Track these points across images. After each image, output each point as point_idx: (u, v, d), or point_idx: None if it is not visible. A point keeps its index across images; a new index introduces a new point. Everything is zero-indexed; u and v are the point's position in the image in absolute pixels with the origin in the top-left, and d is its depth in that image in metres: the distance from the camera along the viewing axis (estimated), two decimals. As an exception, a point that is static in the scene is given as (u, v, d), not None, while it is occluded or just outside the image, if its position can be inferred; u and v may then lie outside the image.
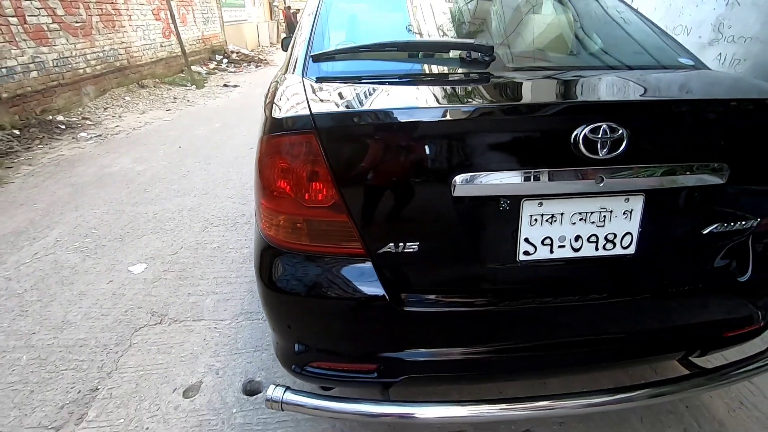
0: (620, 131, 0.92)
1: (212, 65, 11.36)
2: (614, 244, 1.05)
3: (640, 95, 1.09)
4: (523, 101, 1.05)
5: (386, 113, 0.95)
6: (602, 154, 0.93)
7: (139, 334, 1.99)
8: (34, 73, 5.55)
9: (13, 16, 5.23)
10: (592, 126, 0.91)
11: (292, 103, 1.02)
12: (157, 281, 2.37)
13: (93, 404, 1.64)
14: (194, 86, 8.65)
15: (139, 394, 1.68)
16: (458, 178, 0.92)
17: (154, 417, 1.58)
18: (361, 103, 1.04)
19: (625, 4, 1.68)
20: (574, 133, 0.91)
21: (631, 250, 1.06)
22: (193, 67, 9.56)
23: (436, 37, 1.43)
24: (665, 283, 1.13)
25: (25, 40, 5.41)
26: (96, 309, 2.16)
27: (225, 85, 9.08)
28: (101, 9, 7.08)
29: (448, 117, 0.94)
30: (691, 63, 1.40)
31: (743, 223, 1.10)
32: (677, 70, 1.34)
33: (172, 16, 8.21)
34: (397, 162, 0.96)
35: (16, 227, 2.99)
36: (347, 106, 1.02)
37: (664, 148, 0.99)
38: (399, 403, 1.10)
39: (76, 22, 6.42)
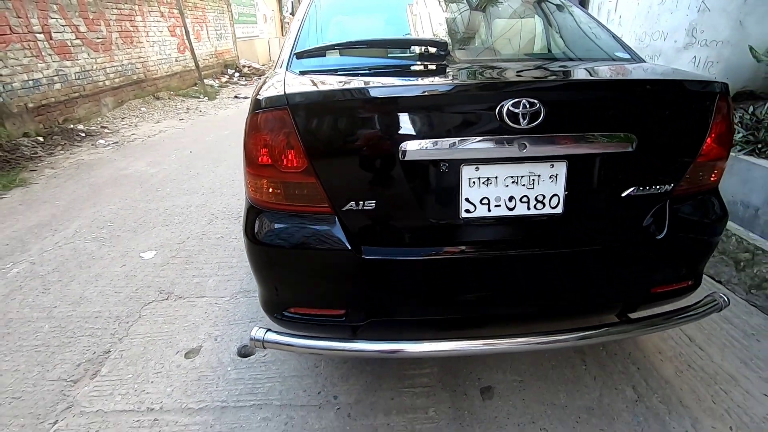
0: (537, 105, 1.11)
1: (224, 78, 11.82)
2: (543, 204, 1.24)
3: (559, 77, 1.29)
4: (457, 82, 1.25)
5: (346, 92, 1.17)
6: (523, 124, 1.12)
7: (147, 308, 2.21)
8: (57, 85, 5.94)
9: (40, 33, 5.65)
10: (513, 101, 1.11)
11: (273, 89, 1.24)
12: (165, 265, 2.60)
13: (106, 363, 1.85)
14: (206, 98, 9.05)
15: (146, 356, 1.89)
16: (404, 146, 1.13)
17: (159, 373, 1.79)
18: (335, 86, 1.26)
19: (581, 8, 1.89)
20: (499, 106, 1.11)
21: (559, 209, 1.24)
22: (206, 81, 9.99)
23: (401, 35, 1.66)
24: (591, 239, 1.31)
25: (50, 55, 5.82)
26: (110, 288, 2.39)
27: (236, 97, 9.47)
28: (121, 26, 7.52)
29: (395, 94, 1.15)
30: (627, 56, 1.60)
31: (657, 187, 1.27)
32: (612, 62, 1.54)
33: (187, 33, 8.65)
34: (356, 132, 1.18)
35: (40, 221, 3.26)
36: (320, 89, 1.24)
37: (578, 120, 1.18)
38: (361, 341, 1.29)
39: (98, 38, 6.85)
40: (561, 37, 1.75)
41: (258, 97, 1.20)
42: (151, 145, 5.60)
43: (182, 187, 3.93)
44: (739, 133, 2.50)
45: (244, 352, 1.90)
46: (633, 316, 1.46)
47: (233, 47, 13.64)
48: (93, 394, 1.69)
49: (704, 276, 2.31)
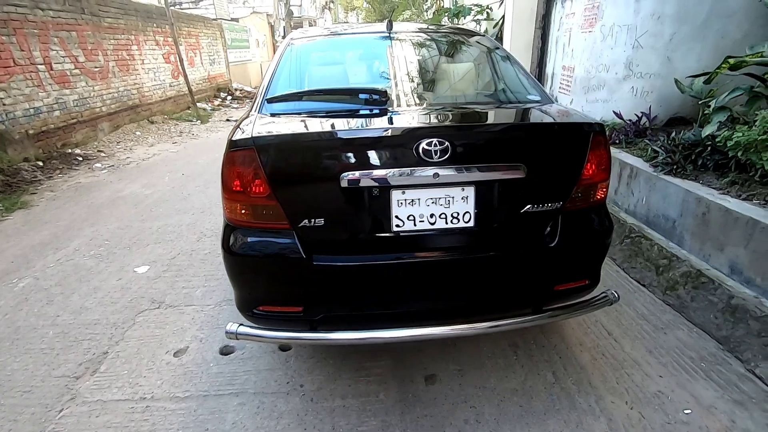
0: (446, 144, 1.46)
1: (217, 102, 12.25)
2: (458, 220, 1.57)
3: (465, 121, 1.65)
4: (384, 126, 1.59)
5: (297, 135, 1.52)
6: (435, 158, 1.46)
7: (141, 316, 2.50)
8: (57, 113, 6.28)
9: (41, 64, 6.02)
10: (427, 140, 1.45)
11: (244, 130, 1.58)
12: (157, 278, 2.90)
13: (104, 362, 2.13)
14: (199, 121, 9.43)
15: (139, 355, 2.17)
16: (344, 175, 1.46)
17: (150, 369, 2.07)
18: (290, 130, 1.60)
19: (505, 55, 2.27)
20: (416, 145, 1.45)
21: (471, 224, 1.58)
22: (198, 104, 10.39)
23: (353, 84, 2.02)
24: (499, 246, 1.64)
25: (50, 84, 6.18)
26: (107, 298, 2.68)
27: (227, 120, 9.86)
28: (118, 55, 7.93)
29: (336, 136, 1.49)
30: (538, 98, 1.96)
31: (549, 205, 1.61)
32: (521, 104, 1.91)
33: (180, 60, 9.08)
34: (306, 166, 1.51)
35: (42, 240, 3.55)
36: (278, 132, 1.58)
37: (480, 154, 1.53)
38: (315, 332, 1.60)
39: (95, 67, 7.24)
40: (487, 83, 2.13)
41: (232, 138, 1.54)
42: (145, 167, 5.92)
43: (174, 207, 4.24)
44: (660, 155, 2.88)
45: (225, 351, 2.18)
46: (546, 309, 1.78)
47: (226, 71, 14.14)
48: (93, 387, 1.97)
49: (630, 278, 2.66)
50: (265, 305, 1.65)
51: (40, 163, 5.60)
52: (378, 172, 1.48)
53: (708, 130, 2.66)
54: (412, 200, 1.53)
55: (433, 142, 1.45)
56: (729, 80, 2.91)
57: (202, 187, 4.87)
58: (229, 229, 1.62)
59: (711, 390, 1.85)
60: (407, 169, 1.48)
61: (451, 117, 1.71)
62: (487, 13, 6.67)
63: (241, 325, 1.62)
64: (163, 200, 4.47)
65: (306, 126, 1.63)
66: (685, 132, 2.91)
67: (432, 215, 1.56)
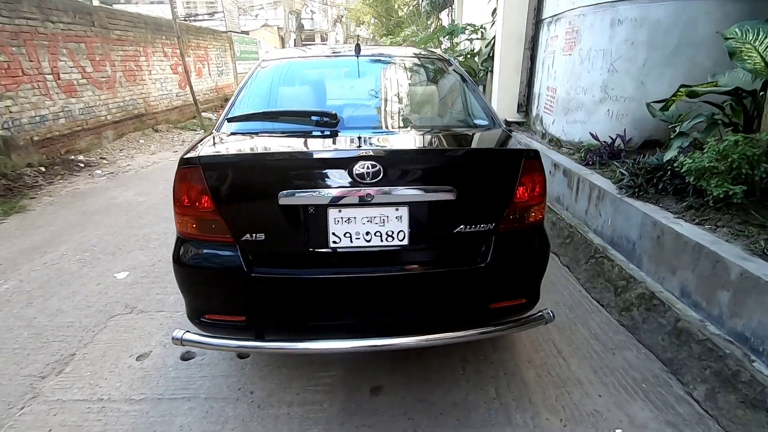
0: (378, 167, 1.55)
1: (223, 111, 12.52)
2: (393, 238, 1.65)
3: (400, 145, 1.74)
4: (319, 148, 1.69)
5: (238, 155, 1.63)
6: (368, 180, 1.56)
7: (113, 320, 2.60)
8: (62, 120, 6.52)
9: (49, 74, 6.28)
10: (359, 163, 1.55)
11: (194, 150, 1.69)
12: (134, 284, 3.01)
13: (70, 363, 2.23)
14: (203, 130, 9.66)
15: (104, 358, 2.27)
16: (281, 193, 1.56)
17: (112, 372, 2.17)
18: (234, 150, 1.71)
19: (462, 79, 2.36)
20: (350, 167, 1.55)
21: (405, 242, 1.66)
22: (204, 114, 10.65)
23: (306, 106, 2.14)
24: (433, 264, 1.72)
25: (57, 93, 6.43)
26: (84, 302, 2.79)
27: (230, 130, 10.08)
28: (125, 66, 8.22)
29: (275, 157, 1.60)
30: (485, 123, 2.05)
31: (481, 226, 1.69)
32: (465, 128, 2.00)
33: (187, 72, 9.36)
34: (247, 184, 1.62)
35: (32, 244, 3.70)
36: (222, 152, 1.69)
37: (412, 177, 1.62)
38: (255, 341, 1.69)
39: (102, 78, 7.51)
40: (438, 107, 2.23)
41: (183, 156, 1.65)
42: (143, 175, 6.10)
43: (163, 215, 4.37)
44: (625, 178, 2.94)
45: (185, 357, 2.27)
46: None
47: (234, 82, 14.48)
48: (56, 387, 2.07)
49: (590, 298, 2.71)
50: (211, 314, 1.74)
51: (43, 169, 5.81)
52: (314, 192, 1.58)
53: (668, 155, 2.72)
54: (348, 218, 1.62)
55: (367, 165, 1.55)
56: (697, 106, 2.97)
57: (193, 196, 5.00)
58: (179, 241, 1.73)
59: (647, 410, 1.89)
60: (342, 189, 1.57)
61: (388, 141, 1.81)
62: (482, 32, 6.82)
63: (187, 331, 1.71)
64: (154, 208, 4.62)
65: (252, 146, 1.74)
66: (650, 156, 2.97)
67: (368, 233, 1.64)
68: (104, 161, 6.78)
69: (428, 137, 1.90)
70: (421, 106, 2.26)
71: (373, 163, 1.55)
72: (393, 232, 1.65)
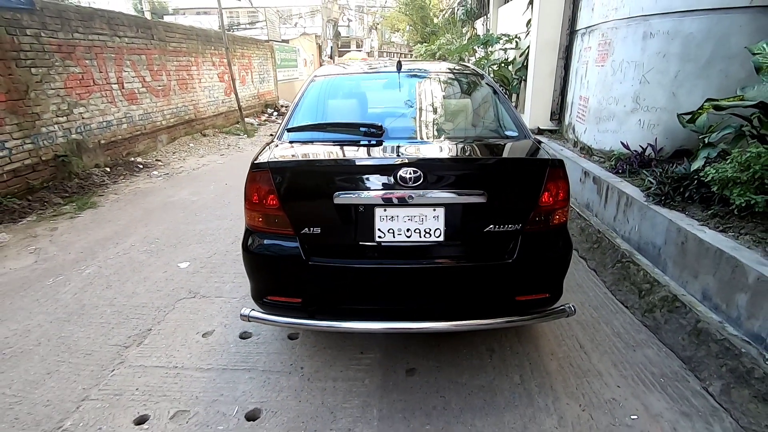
0: (419, 173, 1.80)
1: (263, 117, 13.17)
2: (430, 234, 1.90)
3: (438, 154, 1.98)
4: (372, 156, 1.96)
5: (301, 161, 1.92)
6: (409, 183, 1.81)
7: (179, 303, 2.97)
8: (124, 125, 7.17)
9: (115, 83, 6.93)
10: (403, 169, 1.81)
11: (264, 155, 2.00)
12: (195, 273, 3.39)
13: (148, 336, 2.60)
14: (246, 135, 10.25)
15: (175, 334, 2.63)
16: (336, 194, 1.84)
17: (183, 345, 2.52)
18: (297, 157, 2.01)
19: (494, 93, 2.58)
20: (395, 173, 1.81)
21: (441, 238, 1.90)
22: (247, 119, 11.26)
23: (353, 118, 2.43)
24: (465, 259, 1.95)
25: (121, 101, 7.08)
26: (154, 287, 3.19)
27: (270, 135, 10.59)
28: (179, 75, 8.88)
29: (332, 163, 1.88)
30: (515, 134, 2.27)
31: (509, 226, 1.91)
32: (497, 139, 2.22)
33: (233, 80, 9.96)
34: (308, 185, 1.91)
35: (105, 235, 4.19)
36: (287, 158, 1.99)
37: (448, 182, 1.86)
38: (310, 319, 1.97)
39: (159, 86, 8.16)
40: (472, 119, 2.47)
41: (254, 161, 1.96)
42: (194, 176, 6.62)
43: (215, 213, 4.80)
44: (652, 186, 3.06)
45: (243, 336, 2.60)
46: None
47: (274, 89, 15.15)
48: (138, 355, 2.43)
49: (615, 300, 2.85)
50: (272, 295, 2.05)
51: (108, 169, 6.42)
52: (364, 193, 1.85)
53: (695, 165, 2.83)
54: (392, 216, 1.88)
55: (409, 171, 1.80)
56: (728, 117, 3.05)
57: (241, 197, 5.39)
58: (248, 232, 2.05)
59: (663, 401, 2.03)
60: (387, 192, 1.84)
61: (427, 149, 2.06)
62: (516, 42, 6.96)
63: (252, 310, 2.02)
64: (206, 206, 5.06)
65: (311, 154, 2.03)
66: (677, 166, 3.07)
67: (408, 230, 1.90)
68: (159, 163, 7.37)
69: (462, 146, 2.14)
70: (455, 117, 2.50)
71: (414, 169, 1.81)
72: (430, 230, 1.89)
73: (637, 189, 3.30)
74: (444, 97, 2.65)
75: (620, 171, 3.74)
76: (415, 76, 2.79)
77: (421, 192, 1.82)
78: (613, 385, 2.15)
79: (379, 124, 2.13)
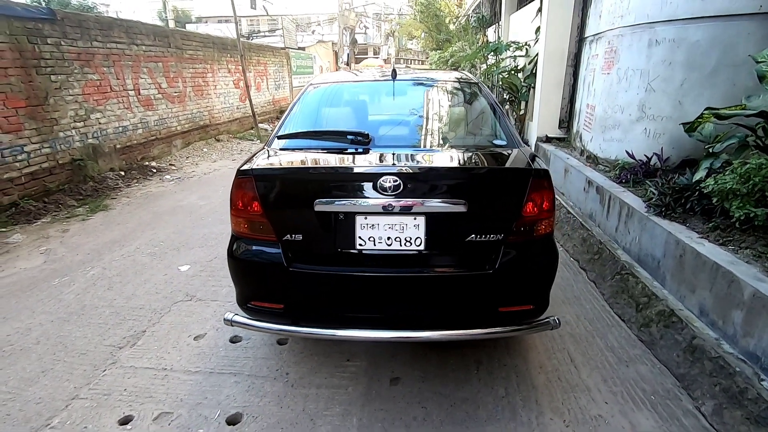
0: (399, 182, 1.81)
1: (277, 123, 13.35)
2: (411, 243, 1.89)
3: (419, 163, 1.98)
4: (349, 165, 1.97)
5: (282, 169, 1.95)
6: (389, 192, 1.81)
7: (176, 305, 3.03)
8: (140, 131, 7.37)
9: (131, 90, 7.15)
10: (383, 178, 1.81)
11: (249, 163, 2.03)
12: (194, 276, 3.45)
13: (142, 338, 2.66)
14: (259, 141, 10.41)
15: (168, 336, 2.67)
16: (317, 201, 1.86)
17: (174, 348, 2.56)
18: (280, 165, 2.04)
19: (488, 103, 2.57)
20: (375, 181, 1.82)
21: (422, 247, 1.89)
22: (261, 125, 11.45)
23: (344, 126, 2.44)
24: (446, 268, 1.94)
25: (137, 107, 7.29)
26: (153, 289, 3.26)
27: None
28: (194, 82, 9.10)
29: (311, 171, 1.90)
30: (504, 143, 2.25)
31: (491, 236, 1.89)
32: (484, 148, 2.21)
33: (247, 87, 10.17)
34: (289, 192, 1.93)
35: (113, 238, 4.30)
36: (270, 166, 2.02)
37: (428, 190, 1.85)
38: (296, 326, 1.99)
39: (174, 93, 8.38)
40: (461, 128, 2.46)
41: (239, 168, 2.00)
42: (205, 181, 6.75)
43: (221, 218, 4.88)
44: (654, 197, 2.98)
45: (234, 340, 2.63)
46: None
47: (289, 95, 15.38)
48: (130, 356, 2.48)
49: (612, 313, 2.78)
50: (256, 301, 2.07)
51: (122, 173, 6.61)
52: (343, 201, 1.86)
53: (697, 176, 2.75)
54: (372, 225, 1.89)
55: (389, 180, 1.81)
56: (734, 127, 2.96)
57: (247, 201, 5.50)
58: (233, 238, 2.08)
59: (651, 420, 1.97)
60: (368, 200, 1.84)
61: (410, 158, 2.06)
62: (526, 49, 6.91)
63: (236, 314, 2.05)
64: (213, 211, 5.15)
65: (294, 161, 2.06)
66: (680, 176, 2.99)
67: (389, 238, 1.90)
68: (173, 167, 7.55)
69: (446, 155, 2.13)
70: (445, 126, 2.49)
71: (395, 177, 1.81)
72: (411, 238, 1.89)
73: (639, 199, 3.22)
74: (436, 106, 2.65)
75: (624, 180, 3.66)
76: (409, 85, 2.80)
77: (401, 201, 1.82)
78: (600, 401, 2.09)
79: (366, 133, 2.14)
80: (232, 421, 2.02)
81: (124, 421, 2.03)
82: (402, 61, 38.16)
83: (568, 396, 2.13)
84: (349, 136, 2.17)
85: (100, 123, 6.44)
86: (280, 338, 2.59)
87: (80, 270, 3.60)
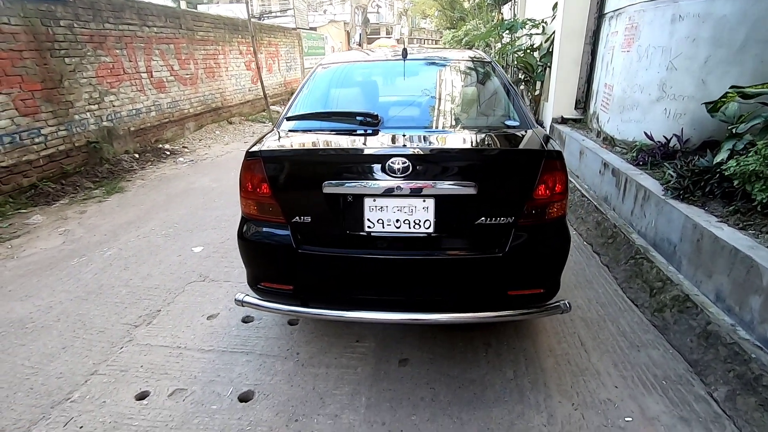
0: (408, 163, 1.78)
1: (289, 105, 13.30)
2: (420, 226, 1.88)
3: (429, 144, 1.94)
4: (360, 146, 1.94)
5: (291, 150, 1.93)
6: (398, 174, 1.79)
7: (189, 286, 3.09)
8: (153, 113, 7.42)
9: (144, 73, 7.16)
10: (391, 159, 1.79)
11: (257, 145, 2.03)
12: (207, 257, 3.51)
13: (157, 317, 2.72)
14: (271, 123, 10.39)
15: (182, 315, 2.73)
16: (325, 183, 1.84)
17: (188, 327, 2.62)
18: (289, 146, 2.03)
19: (501, 83, 2.49)
20: (384, 163, 1.79)
21: (431, 230, 1.88)
22: (272, 107, 11.40)
23: (354, 106, 2.40)
24: (455, 251, 1.92)
25: (150, 89, 7.32)
26: (168, 270, 3.32)
27: (295, 123, 10.73)
28: (206, 64, 9.08)
29: (320, 152, 1.88)
30: (516, 124, 2.19)
31: (502, 219, 1.86)
32: (496, 129, 2.15)
33: (259, 69, 10.07)
34: (298, 174, 1.92)
35: (128, 219, 4.38)
36: (279, 148, 2.00)
37: (438, 172, 1.82)
38: (306, 307, 2.01)
39: (187, 75, 8.38)
40: (473, 108, 2.39)
41: (248, 150, 1.99)
42: (218, 163, 6.80)
43: (233, 200, 4.92)
44: (672, 179, 2.90)
45: (245, 320, 2.67)
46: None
47: (301, 77, 15.24)
48: (146, 335, 2.55)
49: (625, 297, 2.75)
50: (266, 282, 2.09)
51: (137, 156, 6.69)
52: (352, 183, 1.84)
53: (719, 157, 2.66)
54: (381, 207, 1.87)
55: (398, 161, 1.78)
56: (761, 107, 2.83)
57: (259, 184, 5.53)
58: (243, 220, 2.09)
59: (661, 405, 1.95)
60: (376, 182, 1.82)
61: (420, 140, 2.02)
62: (543, 27, 6.68)
63: (246, 295, 2.08)
64: (225, 193, 5.20)
65: (302, 143, 2.04)
66: (700, 158, 2.89)
67: (398, 220, 1.88)
68: (186, 150, 7.61)
69: (456, 137, 2.09)
70: (457, 106, 2.43)
71: (404, 159, 1.78)
72: (420, 221, 1.87)
73: (656, 182, 3.13)
74: (447, 86, 2.59)
75: (641, 163, 3.56)
76: (420, 64, 2.74)
77: (410, 183, 1.80)
78: (610, 385, 2.08)
79: (375, 114, 2.11)
80: (244, 398, 2.07)
81: (141, 396, 2.09)
82: (415, 41, 37.40)
83: (578, 379, 2.12)
84: (359, 117, 2.14)
85: (114, 105, 6.49)
86: (291, 319, 2.62)
87: (97, 250, 3.69)
